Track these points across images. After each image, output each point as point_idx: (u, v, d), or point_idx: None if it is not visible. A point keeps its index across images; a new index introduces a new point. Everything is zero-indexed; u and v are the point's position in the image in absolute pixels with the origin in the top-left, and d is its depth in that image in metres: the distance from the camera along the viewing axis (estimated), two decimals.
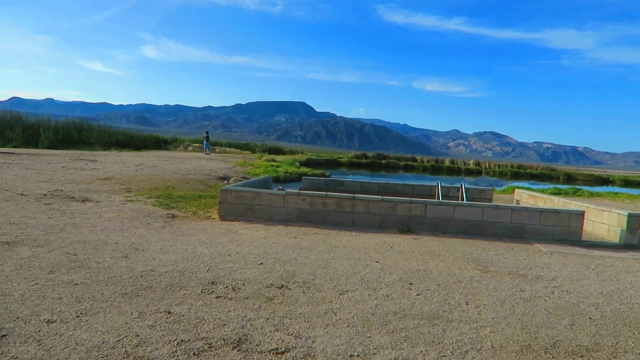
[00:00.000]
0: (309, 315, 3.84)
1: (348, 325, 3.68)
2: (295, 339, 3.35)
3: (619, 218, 8.18)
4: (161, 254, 5.44)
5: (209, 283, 4.47)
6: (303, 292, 4.42)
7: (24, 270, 4.47)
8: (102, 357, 2.89)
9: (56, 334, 3.16)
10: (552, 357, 3.40)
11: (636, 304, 4.80)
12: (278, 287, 4.49)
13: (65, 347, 2.97)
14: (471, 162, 55.29)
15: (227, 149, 41.86)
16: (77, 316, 3.48)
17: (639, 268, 6.49)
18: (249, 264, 5.27)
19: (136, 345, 3.08)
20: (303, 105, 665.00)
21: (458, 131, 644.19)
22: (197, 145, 39.04)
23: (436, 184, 11.77)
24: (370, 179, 21.00)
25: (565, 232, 8.05)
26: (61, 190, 9.81)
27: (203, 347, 3.11)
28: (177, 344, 3.14)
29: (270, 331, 3.46)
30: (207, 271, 4.86)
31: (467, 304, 4.40)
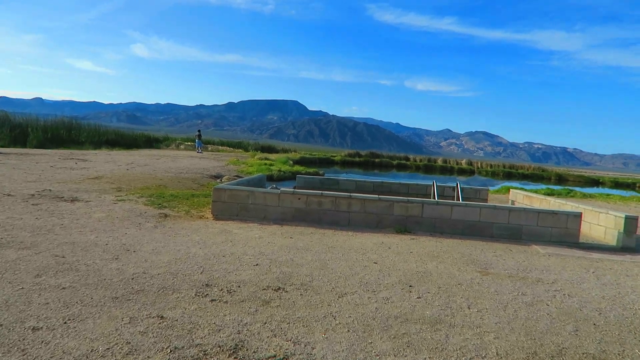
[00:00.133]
0: (308, 319, 3.70)
1: (348, 330, 3.54)
2: (294, 345, 3.21)
3: (616, 220, 8.13)
4: (153, 255, 5.27)
5: (203, 285, 4.32)
6: (301, 294, 4.27)
7: (9, 273, 4.27)
8: None
9: (42, 342, 2.99)
10: None
11: (639, 309, 4.72)
12: (275, 290, 4.35)
13: (51, 357, 2.81)
14: (463, 161, 55.45)
15: (220, 147, 41.53)
16: (65, 322, 3.31)
17: (638, 272, 6.43)
18: (244, 265, 5.12)
19: (127, 354, 2.92)
20: (296, 103, 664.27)
21: (450, 131, 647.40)
22: (189, 143, 38.69)
23: (432, 184, 11.67)
24: (365, 177, 20.90)
25: (563, 233, 7.98)
26: (50, 190, 9.58)
27: (198, 355, 2.96)
28: (171, 351, 2.99)
29: (268, 337, 3.32)
30: (201, 273, 4.70)
31: (469, 308, 4.28)
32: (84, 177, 12.10)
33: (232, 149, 41.24)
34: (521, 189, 19.34)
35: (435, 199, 10.81)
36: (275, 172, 20.51)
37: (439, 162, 53.00)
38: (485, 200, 12.45)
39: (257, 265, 5.15)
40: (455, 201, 8.62)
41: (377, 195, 8.12)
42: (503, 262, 6.32)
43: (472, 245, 7.24)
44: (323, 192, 8.13)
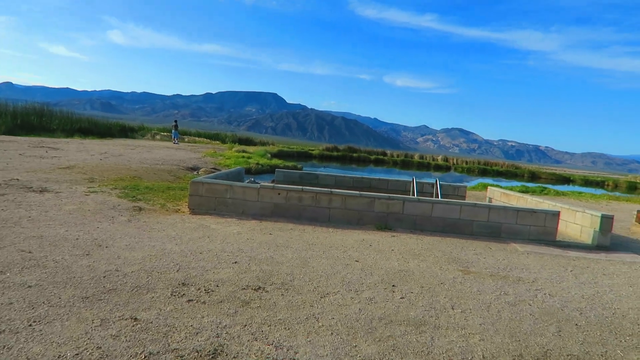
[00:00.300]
0: (290, 321, 3.56)
1: (332, 333, 3.43)
2: (275, 350, 3.08)
3: (592, 219, 8.25)
4: (127, 251, 5.03)
5: (179, 284, 4.13)
6: (282, 294, 4.13)
7: None
8: None
9: (4, 347, 2.77)
10: None
11: (618, 309, 4.75)
12: (255, 289, 4.19)
13: None
14: (440, 157, 56.11)
15: (197, 138, 40.84)
16: (30, 325, 3.08)
17: (614, 270, 6.52)
18: (222, 262, 4.93)
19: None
20: (274, 96, 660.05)
21: (427, 127, 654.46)
22: (166, 134, 37.92)
23: (411, 180, 11.67)
24: (344, 172, 20.85)
25: (541, 232, 8.05)
26: (17, 179, 9.14)
27: None
28: (145, 357, 2.81)
29: (248, 340, 3.17)
30: (178, 271, 4.50)
31: (452, 309, 4.22)
32: (54, 167, 11.63)
33: (209, 140, 40.62)
34: (497, 186, 19.61)
35: (414, 195, 10.81)
36: (253, 165, 20.26)
37: (416, 157, 53.51)
38: (464, 197, 12.53)
39: (235, 262, 4.98)
40: (436, 198, 8.60)
41: (358, 192, 8.01)
42: (484, 260, 6.31)
43: (453, 243, 7.22)
44: (303, 187, 7.98)
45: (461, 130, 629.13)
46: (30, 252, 4.62)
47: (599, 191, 31.34)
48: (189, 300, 3.77)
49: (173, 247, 5.36)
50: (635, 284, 5.85)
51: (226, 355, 2.94)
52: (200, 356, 2.89)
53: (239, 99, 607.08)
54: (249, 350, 3.03)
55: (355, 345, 3.26)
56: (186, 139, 38.37)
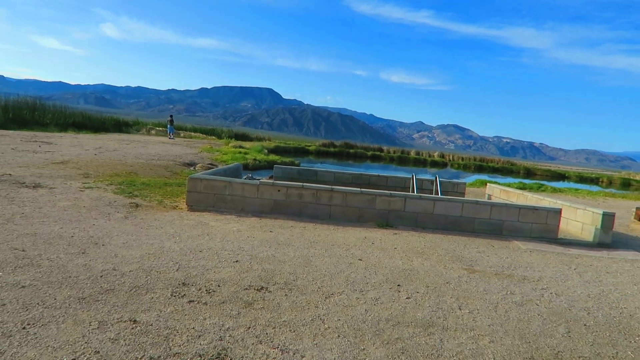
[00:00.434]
0: (295, 323, 3.45)
1: (339, 336, 3.31)
2: (281, 353, 2.96)
3: (594, 217, 8.18)
4: (124, 249, 4.89)
5: (179, 284, 4.00)
6: (285, 295, 4.01)
7: None
8: None
9: None
10: None
11: (624, 308, 4.67)
12: (257, 290, 4.07)
13: None
14: (436, 154, 56.11)
15: (192, 133, 40.55)
16: (24, 328, 2.95)
17: (617, 269, 6.45)
18: (223, 261, 4.81)
19: None
20: (270, 91, 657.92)
21: (422, 123, 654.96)
22: (161, 129, 37.61)
23: (411, 177, 11.56)
24: (343, 169, 20.73)
25: (543, 229, 7.98)
26: (10, 174, 8.95)
27: None
28: None
29: (253, 344, 3.06)
30: (177, 270, 4.37)
31: (460, 309, 4.12)
32: (48, 162, 11.43)
33: (205, 135, 40.34)
34: (494, 182, 19.57)
35: (414, 192, 10.71)
36: (251, 161, 20.09)
37: (412, 154, 53.46)
38: (463, 193, 12.44)
39: (237, 261, 4.85)
40: (437, 196, 8.50)
41: (359, 189, 7.90)
42: (487, 258, 6.22)
43: (455, 241, 7.13)
44: (304, 184, 7.85)
45: (457, 127, 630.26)
46: (23, 251, 4.47)
47: (595, 188, 31.43)
48: (190, 301, 3.65)
49: (172, 245, 5.22)
50: (639, 282, 5.79)
51: (230, 359, 2.82)
52: None
53: (234, 94, 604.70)
54: (254, 354, 2.91)
55: (364, 349, 3.15)
56: (182, 134, 38.09)
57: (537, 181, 27.43)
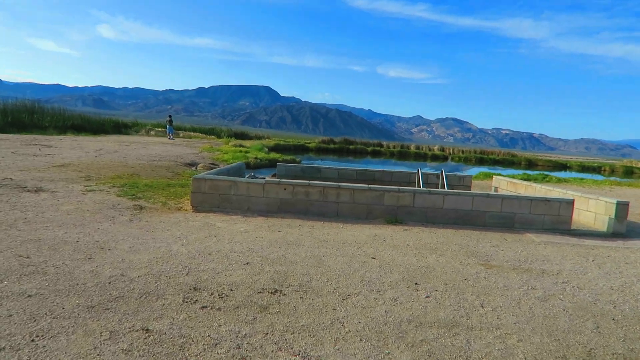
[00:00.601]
0: (314, 327, 3.30)
1: (361, 340, 3.16)
2: None
3: (607, 206, 8.03)
4: (131, 253, 4.73)
5: (190, 289, 3.84)
6: (301, 297, 3.86)
7: None
8: None
9: None
10: None
11: None
12: (271, 293, 3.92)
13: None
14: (436, 147, 55.95)
15: (192, 133, 40.35)
16: (32, 340, 2.80)
17: (636, 259, 6.30)
18: (233, 264, 4.65)
19: None
20: (268, 89, 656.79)
21: (421, 117, 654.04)
22: (160, 129, 37.42)
23: (416, 171, 11.39)
24: (342, 165, 20.56)
25: (555, 221, 7.83)
26: (11, 179, 8.79)
27: None
28: None
29: (272, 351, 2.91)
30: (187, 274, 4.22)
31: (482, 307, 3.97)
32: (48, 165, 11.26)
33: (204, 135, 40.16)
34: (498, 174, 19.42)
35: (421, 186, 10.55)
36: (252, 160, 19.92)
37: (412, 148, 53.29)
38: (469, 187, 12.29)
39: (247, 263, 4.69)
40: (448, 190, 8.34)
41: (367, 185, 7.73)
42: (502, 252, 6.07)
43: (467, 236, 6.98)
44: (310, 182, 7.69)
45: (455, 120, 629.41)
46: (28, 258, 4.32)
47: (598, 177, 31.29)
48: (203, 307, 3.49)
49: (179, 248, 5.07)
50: None
51: None
52: None
53: (232, 93, 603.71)
54: None
55: (388, 353, 3.01)
56: (181, 134, 37.91)
57: (541, 172, 27.28)
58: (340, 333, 3.24)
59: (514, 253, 6.08)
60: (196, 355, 2.77)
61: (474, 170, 31.23)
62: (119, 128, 35.79)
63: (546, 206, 7.79)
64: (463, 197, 7.74)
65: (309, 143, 46.66)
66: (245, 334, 3.10)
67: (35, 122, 27.59)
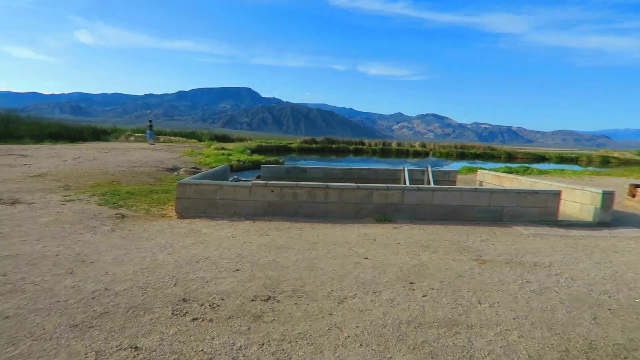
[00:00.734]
0: (311, 334, 3.18)
1: (361, 345, 3.05)
2: None
3: (593, 196, 8.09)
4: (115, 265, 4.54)
5: (179, 301, 3.68)
6: (295, 303, 3.73)
7: None
8: None
9: None
10: None
11: None
12: (264, 300, 3.78)
13: None
14: (417, 144, 56.32)
15: (172, 138, 39.77)
16: None
17: (624, 247, 6.34)
18: (223, 271, 4.50)
19: None
20: (248, 91, 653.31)
21: (402, 114, 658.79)
22: (140, 135, 36.78)
23: (402, 168, 11.35)
24: (330, 164, 20.47)
25: (542, 212, 7.86)
26: None
27: None
28: None
29: None
30: (175, 285, 4.05)
31: (480, 303, 3.90)
32: (25, 175, 10.89)
33: (185, 139, 39.63)
34: (481, 168, 19.55)
35: (407, 183, 10.50)
36: (235, 163, 19.66)
37: (394, 145, 53.54)
38: (454, 182, 12.31)
39: (237, 270, 4.54)
40: (436, 186, 8.31)
41: (355, 184, 7.63)
42: (493, 247, 6.03)
43: (457, 231, 6.93)
44: (298, 183, 7.56)
45: (435, 116, 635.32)
46: (4, 275, 4.09)
47: (576, 167, 31.85)
48: (194, 319, 3.34)
49: (165, 258, 4.89)
50: None
51: None
52: None
53: (212, 96, 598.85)
54: None
55: (390, 357, 2.90)
56: (162, 139, 37.33)
57: (522, 164, 27.62)
58: (339, 339, 3.12)
59: (504, 247, 6.05)
60: None
61: (455, 165, 31.49)
62: (98, 135, 35.06)
63: (534, 198, 7.81)
64: (451, 192, 7.70)
65: (291, 143, 46.49)
66: (241, 346, 2.96)
67: (11, 131, 26.80)
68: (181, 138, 40.00)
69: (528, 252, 5.80)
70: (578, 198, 8.51)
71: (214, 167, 16.98)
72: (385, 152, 47.86)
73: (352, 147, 48.28)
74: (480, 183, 12.48)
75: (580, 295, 4.25)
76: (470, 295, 4.09)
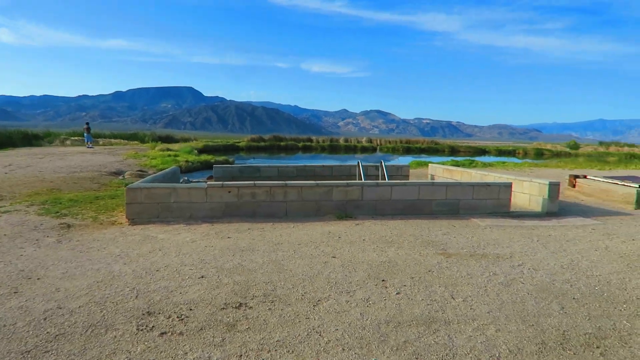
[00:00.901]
0: (290, 341, 3.03)
1: (343, 349, 2.95)
2: None
3: (540, 187, 8.45)
4: (66, 280, 4.16)
5: (144, 314, 3.41)
6: (269, 309, 3.57)
7: None
8: None
9: None
10: (574, 353, 3.03)
11: (599, 275, 4.72)
12: (236, 307, 3.58)
13: None
14: (364, 139, 57.23)
15: (112, 140, 37.87)
16: None
17: (574, 236, 6.64)
18: (187, 279, 4.24)
19: None
20: (190, 90, 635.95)
21: (347, 110, 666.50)
22: (77, 138, 34.73)
23: (357, 164, 11.39)
24: (282, 162, 20.24)
25: (496, 204, 8.11)
26: None
27: None
28: None
29: None
30: (136, 297, 3.76)
31: (453, 298, 3.91)
32: None
33: (126, 141, 37.90)
34: (429, 162, 20.11)
35: (362, 179, 10.55)
36: (183, 164, 18.99)
37: (342, 141, 54.11)
38: (407, 176, 12.52)
39: (202, 277, 4.30)
40: (394, 181, 8.36)
41: (315, 182, 7.53)
42: (455, 239, 6.13)
43: (418, 225, 7.00)
44: (255, 182, 7.34)
45: (379, 112, 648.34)
46: None
47: (515, 160, 33.56)
48: (162, 334, 3.09)
49: (122, 268, 4.55)
50: (598, 247, 5.96)
51: None
52: None
53: (152, 96, 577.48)
54: None
55: None
56: (101, 142, 35.46)
57: (467, 158, 28.70)
58: (320, 344, 3.00)
59: (465, 239, 6.17)
60: None
61: (402, 160, 32.24)
62: (29, 140, 32.70)
63: (487, 191, 8.05)
64: (409, 187, 7.78)
65: (239, 142, 45.76)
66: (217, 359, 2.76)
67: None
68: (122, 140, 38.22)
69: (488, 244, 5.94)
70: (527, 189, 8.87)
71: (161, 169, 16.29)
72: (333, 148, 48.24)
73: (300, 144, 48.27)
74: (432, 177, 12.76)
75: (545, 285, 4.38)
76: (443, 291, 4.10)
